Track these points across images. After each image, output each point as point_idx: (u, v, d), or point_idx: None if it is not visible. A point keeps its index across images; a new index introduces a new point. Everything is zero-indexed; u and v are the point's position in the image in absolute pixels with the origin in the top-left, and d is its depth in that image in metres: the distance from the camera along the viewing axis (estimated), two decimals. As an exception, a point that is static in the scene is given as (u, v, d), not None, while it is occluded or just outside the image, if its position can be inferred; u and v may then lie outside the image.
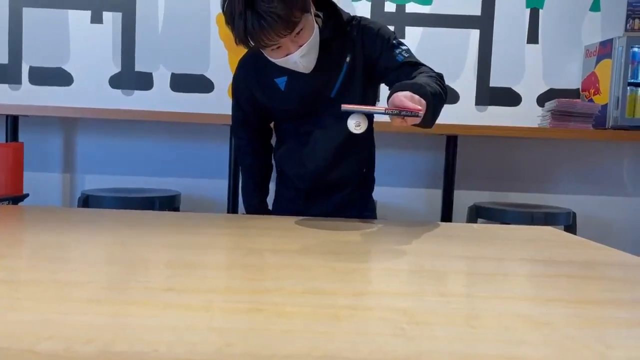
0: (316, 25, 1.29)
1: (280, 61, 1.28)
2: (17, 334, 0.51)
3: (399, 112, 1.05)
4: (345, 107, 1.09)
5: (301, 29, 1.22)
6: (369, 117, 1.53)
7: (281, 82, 1.38)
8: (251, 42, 1.20)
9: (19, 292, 0.65)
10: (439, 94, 1.21)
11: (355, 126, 1.14)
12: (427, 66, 1.35)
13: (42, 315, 0.57)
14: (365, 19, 1.41)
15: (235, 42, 1.21)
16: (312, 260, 0.88)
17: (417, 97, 1.10)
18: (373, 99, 1.49)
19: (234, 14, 1.16)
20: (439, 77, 1.30)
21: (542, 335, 0.57)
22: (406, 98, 1.08)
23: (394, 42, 1.36)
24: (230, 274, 0.80)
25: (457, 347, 0.52)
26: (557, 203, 3.16)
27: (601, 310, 0.68)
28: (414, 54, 1.38)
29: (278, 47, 1.23)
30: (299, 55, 1.26)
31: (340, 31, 1.37)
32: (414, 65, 1.34)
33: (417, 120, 1.09)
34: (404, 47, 1.36)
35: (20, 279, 0.71)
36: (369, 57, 1.37)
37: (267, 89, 1.41)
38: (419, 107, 1.07)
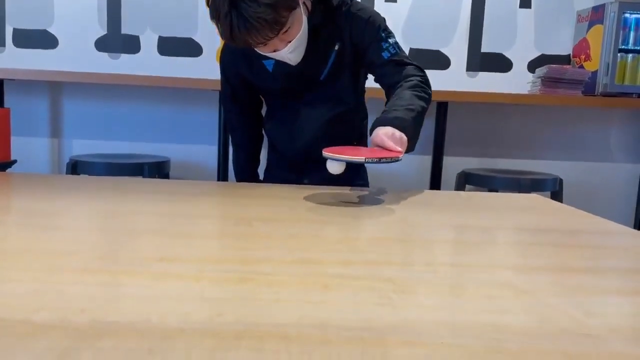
0: (304, 18, 1.26)
1: (268, 55, 1.27)
2: (11, 305, 0.52)
3: (379, 160, 1.06)
4: (326, 153, 1.09)
5: (289, 27, 1.18)
6: (360, 92, 1.52)
7: (269, 64, 1.37)
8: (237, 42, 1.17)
9: (12, 262, 0.66)
10: (422, 111, 1.23)
11: (334, 170, 1.13)
12: (412, 64, 1.34)
13: (35, 286, 0.57)
14: (356, 4, 1.38)
15: (221, 37, 1.18)
16: (302, 229, 0.90)
17: (397, 134, 1.13)
18: (364, 81, 1.50)
19: (219, 13, 1.12)
20: (423, 83, 1.30)
21: (523, 303, 0.59)
22: (387, 136, 1.11)
23: (383, 34, 1.34)
24: (220, 243, 0.81)
25: (442, 316, 0.54)
26: (545, 169, 3.19)
27: (582, 278, 0.70)
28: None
29: (265, 45, 1.21)
30: (287, 51, 1.24)
31: (329, 17, 1.34)
32: (400, 64, 1.33)
33: (397, 161, 1.12)
34: (391, 41, 1.34)
35: (11, 249, 0.72)
36: (357, 45, 1.36)
37: (255, 68, 1.40)
38: (399, 149, 1.10)
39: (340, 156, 1.08)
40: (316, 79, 1.38)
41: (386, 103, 1.29)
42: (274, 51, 1.24)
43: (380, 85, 1.38)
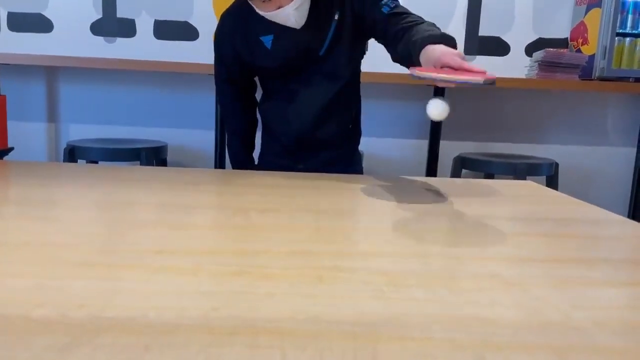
0: None
1: (270, 15, 1.26)
2: (11, 300, 0.53)
3: (493, 82, 0.85)
4: (414, 71, 0.88)
5: None
6: (357, 67, 1.51)
7: (267, 40, 1.36)
8: None
9: (10, 256, 0.67)
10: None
11: (441, 112, 0.91)
12: (414, 14, 1.33)
13: (34, 281, 0.59)
14: None
15: None
16: (298, 220, 0.91)
17: (462, 53, 1.00)
18: (361, 55, 1.49)
19: None
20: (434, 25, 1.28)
21: (512, 296, 0.60)
22: (457, 56, 0.97)
23: None
24: (217, 235, 0.82)
25: (433, 309, 0.56)
26: (541, 153, 3.20)
27: (572, 269, 0.71)
28: (403, 3, 1.35)
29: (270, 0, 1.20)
30: (293, 7, 1.23)
31: None
32: (403, 14, 1.31)
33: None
34: None
35: (9, 242, 0.73)
36: (357, 13, 1.35)
37: (253, 47, 1.39)
38: (481, 70, 0.94)
39: (455, 77, 0.83)
40: (316, 55, 1.38)
41: (396, 50, 1.25)
42: (278, 8, 1.24)
43: (385, 41, 1.33)
